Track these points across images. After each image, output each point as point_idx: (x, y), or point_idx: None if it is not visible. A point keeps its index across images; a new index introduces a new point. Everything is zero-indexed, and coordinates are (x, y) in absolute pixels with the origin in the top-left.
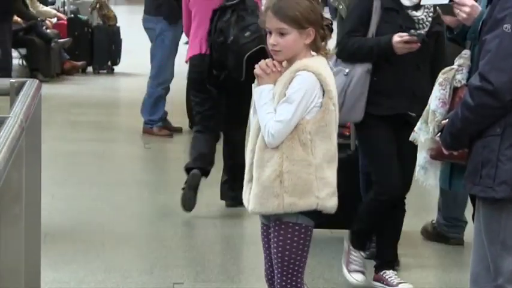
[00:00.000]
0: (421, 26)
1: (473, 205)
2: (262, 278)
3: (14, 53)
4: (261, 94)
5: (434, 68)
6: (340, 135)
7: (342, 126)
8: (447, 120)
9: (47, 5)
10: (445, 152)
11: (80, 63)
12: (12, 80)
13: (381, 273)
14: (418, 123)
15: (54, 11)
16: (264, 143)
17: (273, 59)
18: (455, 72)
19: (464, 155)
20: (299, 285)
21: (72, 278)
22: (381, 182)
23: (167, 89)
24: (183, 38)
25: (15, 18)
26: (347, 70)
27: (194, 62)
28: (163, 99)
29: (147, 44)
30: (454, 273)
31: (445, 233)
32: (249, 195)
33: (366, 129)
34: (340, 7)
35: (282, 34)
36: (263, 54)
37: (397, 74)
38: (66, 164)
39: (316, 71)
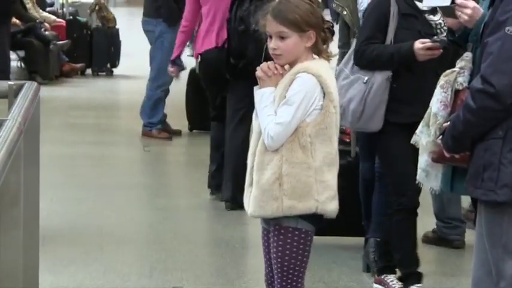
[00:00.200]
0: (438, 30)
1: (475, 209)
2: (262, 281)
3: (13, 55)
4: (262, 97)
5: None
6: (340, 142)
7: (342, 132)
8: (449, 123)
9: (45, 7)
10: (447, 155)
11: (78, 65)
12: (11, 83)
13: (382, 277)
14: (420, 126)
15: (54, 17)
16: (265, 147)
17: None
18: (456, 75)
19: (465, 158)
20: None
21: (70, 282)
22: (401, 192)
23: (167, 92)
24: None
25: (14, 20)
26: (366, 78)
27: (209, 55)
28: (163, 101)
29: (146, 46)
30: (456, 277)
31: (445, 235)
32: (249, 199)
33: (385, 138)
34: (344, 13)
35: (282, 38)
36: None
37: (417, 81)
38: (65, 166)
39: (316, 73)
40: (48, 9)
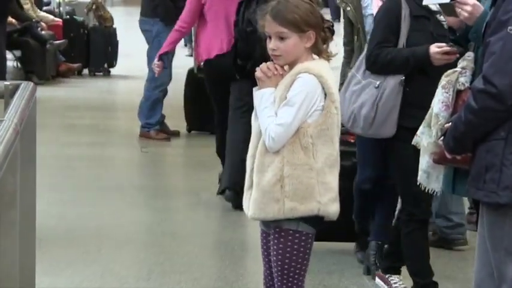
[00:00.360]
0: (450, 32)
1: (477, 210)
2: (261, 285)
3: (9, 55)
4: (262, 98)
5: None
6: (345, 143)
7: (346, 133)
8: (450, 123)
9: (42, 6)
10: (448, 156)
11: (75, 65)
12: (7, 83)
13: (386, 276)
14: (421, 127)
15: (52, 17)
16: (265, 148)
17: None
18: (458, 75)
19: (467, 159)
20: None
21: (67, 284)
22: (415, 203)
23: (165, 92)
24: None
25: (10, 19)
26: (378, 82)
27: (215, 61)
28: (161, 102)
29: (144, 46)
30: (458, 279)
31: (446, 235)
32: (249, 202)
33: (398, 144)
34: (348, 9)
35: (281, 38)
36: None
37: (431, 84)
38: (62, 168)
39: (317, 74)
40: (44, 8)
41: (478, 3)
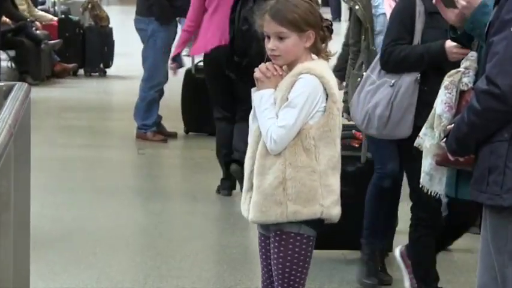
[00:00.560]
0: (451, 31)
1: (480, 213)
2: None
3: (3, 55)
4: (262, 99)
5: None
6: (349, 147)
7: (350, 137)
8: (453, 125)
9: (36, 5)
10: (451, 158)
11: (71, 65)
12: (1, 84)
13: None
14: (423, 128)
15: (51, 16)
16: (265, 150)
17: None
18: (461, 75)
19: (470, 161)
20: None
21: None
22: (429, 209)
23: (161, 93)
24: (178, 39)
25: (4, 19)
26: (393, 81)
27: (215, 53)
28: (157, 103)
29: (140, 46)
30: (461, 283)
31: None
32: (249, 205)
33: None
34: (357, 7)
35: (281, 38)
36: None
37: None
38: (57, 170)
39: (319, 74)
40: (39, 7)
41: None
